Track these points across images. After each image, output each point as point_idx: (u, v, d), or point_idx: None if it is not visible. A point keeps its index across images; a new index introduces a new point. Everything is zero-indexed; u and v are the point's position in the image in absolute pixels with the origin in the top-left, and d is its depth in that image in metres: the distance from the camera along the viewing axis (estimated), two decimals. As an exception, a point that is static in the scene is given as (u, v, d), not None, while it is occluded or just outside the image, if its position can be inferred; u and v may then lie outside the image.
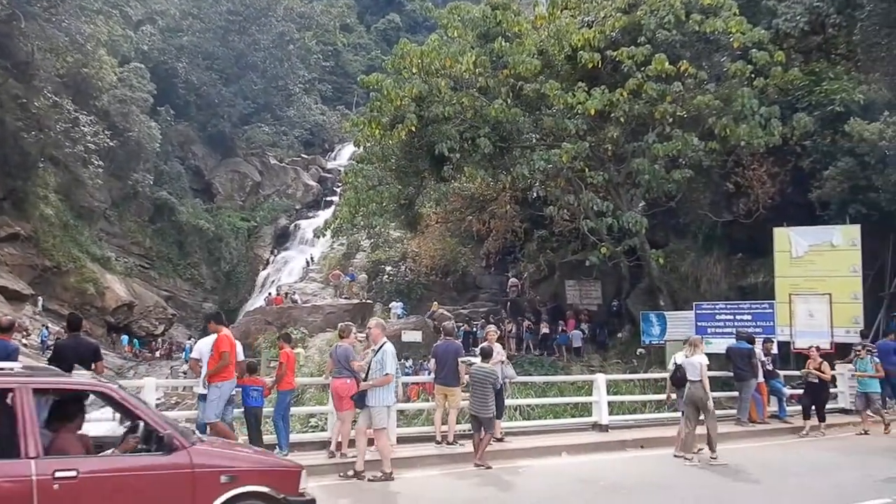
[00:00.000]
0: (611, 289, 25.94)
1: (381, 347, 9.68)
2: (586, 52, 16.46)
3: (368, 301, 30.60)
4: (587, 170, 17.02)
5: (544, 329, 25.11)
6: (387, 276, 34.53)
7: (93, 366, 9.12)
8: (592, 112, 16.07)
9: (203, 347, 9.91)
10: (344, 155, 68.74)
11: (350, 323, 11.66)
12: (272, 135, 56.95)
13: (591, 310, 25.79)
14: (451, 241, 31.23)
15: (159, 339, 41.88)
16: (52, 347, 11.07)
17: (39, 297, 33.27)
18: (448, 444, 10.76)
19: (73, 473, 5.21)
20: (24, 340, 28.73)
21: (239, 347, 10.14)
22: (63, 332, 30.37)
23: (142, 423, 5.81)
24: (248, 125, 56.41)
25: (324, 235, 26.07)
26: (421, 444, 10.99)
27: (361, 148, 19.48)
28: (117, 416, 6.19)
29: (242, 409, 10.22)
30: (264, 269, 51.63)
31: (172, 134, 50.38)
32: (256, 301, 46.21)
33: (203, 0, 54.77)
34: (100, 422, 7.22)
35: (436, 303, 28.74)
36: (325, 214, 56.34)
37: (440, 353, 11.16)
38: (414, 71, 17.06)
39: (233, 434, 9.62)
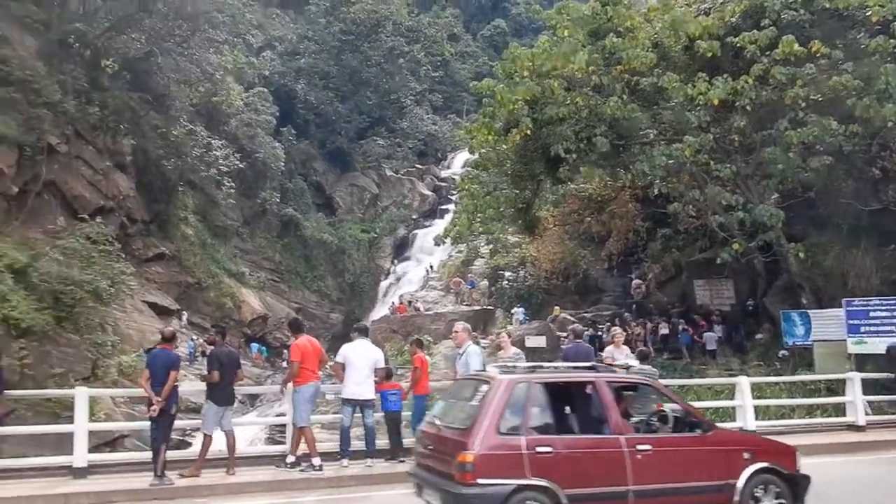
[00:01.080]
0: (745, 287, 24.67)
1: (465, 350, 9.88)
2: (704, 40, 15.90)
3: (490, 307, 30.72)
4: (712, 163, 16.39)
5: (663, 330, 24.36)
6: (506, 282, 34.55)
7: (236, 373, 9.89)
8: (715, 102, 15.46)
9: (348, 353, 10.38)
10: (457, 163, 69.56)
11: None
12: (387, 147, 58.37)
13: (724, 310, 24.64)
14: (569, 243, 30.81)
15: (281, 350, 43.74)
16: (206, 356, 12.00)
17: (184, 312, 35.58)
18: None
19: (649, 447, 6.89)
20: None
21: (378, 354, 10.59)
22: (206, 344, 32.53)
23: (679, 409, 7.57)
24: (364, 139, 58.09)
25: (443, 243, 26.48)
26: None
27: (476, 154, 19.65)
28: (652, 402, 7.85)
29: (383, 414, 10.63)
30: (385, 278, 53.07)
31: (295, 153, 52.66)
32: (380, 310, 47.52)
33: (317, 23, 57.17)
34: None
35: (557, 307, 28.44)
36: (441, 223, 57.26)
37: (571, 355, 11.11)
38: (525, 74, 17.03)
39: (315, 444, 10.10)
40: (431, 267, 47.95)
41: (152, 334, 30.53)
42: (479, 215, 19.61)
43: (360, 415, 10.49)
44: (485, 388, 6.97)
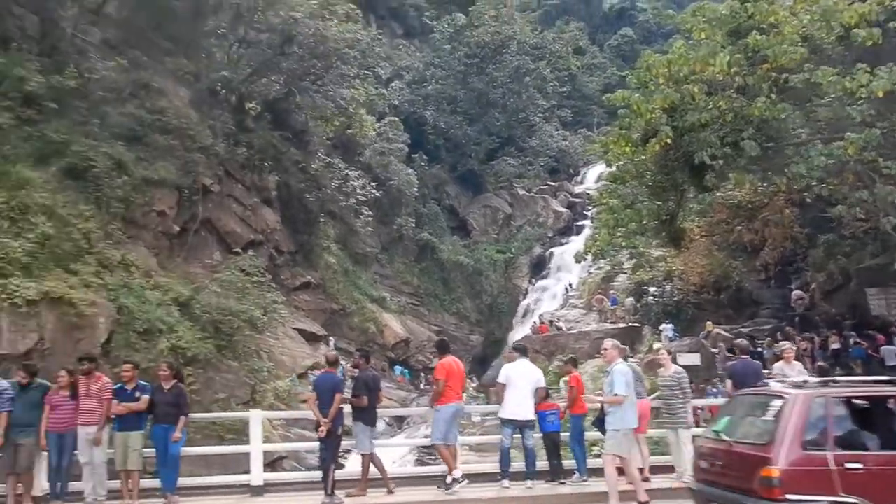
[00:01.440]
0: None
1: (612, 368, 9.55)
2: (862, 28, 14.71)
3: (636, 324, 29.81)
4: (881, 160, 15.06)
5: (834, 344, 22.53)
6: (651, 298, 33.44)
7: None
8: (880, 94, 14.20)
9: (510, 373, 10.40)
10: (590, 178, 68.44)
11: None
12: (518, 166, 58.34)
13: (905, 321, 22.52)
14: (718, 254, 29.43)
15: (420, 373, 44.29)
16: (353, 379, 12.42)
17: (331, 338, 36.94)
18: None
19: None
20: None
21: (539, 374, 10.52)
22: (352, 368, 33.53)
23: None
24: (495, 160, 58.34)
25: (584, 259, 26.03)
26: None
27: (614, 167, 19.17)
28: None
29: (541, 435, 10.55)
30: (524, 298, 52.78)
31: (427, 178, 53.72)
32: (520, 331, 47.32)
33: (442, 50, 58.26)
34: None
35: (709, 322, 27.18)
36: (578, 239, 56.46)
37: (738, 372, 10.56)
38: (661, 82, 16.47)
39: (454, 461, 10.12)
40: (571, 285, 47.28)
41: (303, 360, 32.02)
42: (620, 229, 19.06)
43: (518, 435, 10.40)
44: (778, 403, 7.00)
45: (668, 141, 15.22)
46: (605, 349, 10.08)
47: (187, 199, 29.01)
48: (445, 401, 10.15)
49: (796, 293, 27.13)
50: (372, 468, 10.31)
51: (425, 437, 24.78)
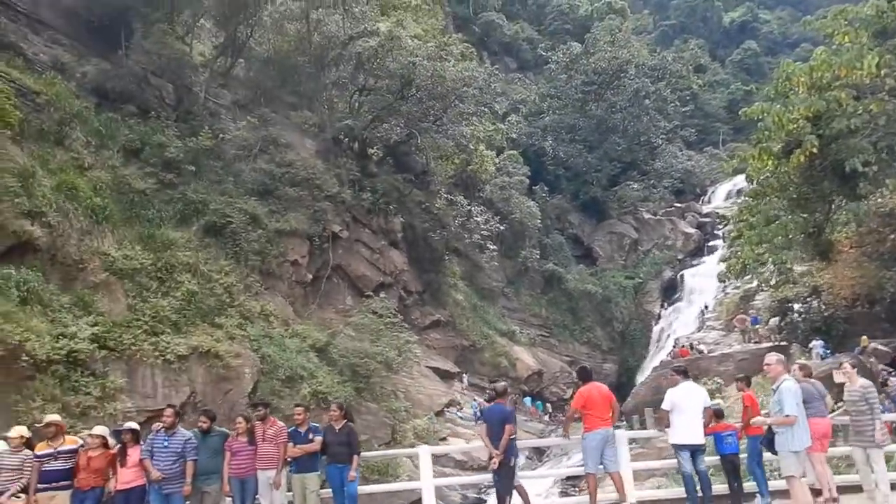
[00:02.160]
0: None
1: (779, 386, 8.86)
2: None
3: (783, 343, 27.91)
4: None
5: None
6: (797, 314, 31.25)
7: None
8: None
9: (674, 398, 10.14)
10: (718, 196, 65.83)
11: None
12: (642, 190, 56.88)
13: None
14: (869, 265, 27.14)
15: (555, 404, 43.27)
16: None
17: (465, 374, 36.91)
18: None
19: None
20: (459, 414, 32.05)
21: (705, 394, 10.17)
22: (486, 403, 33.19)
23: None
24: (617, 185, 57.22)
25: (728, 280, 24.79)
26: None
27: (753, 183, 18.09)
28: None
29: (718, 457, 10.15)
30: (657, 323, 50.96)
31: (549, 209, 53.29)
32: (656, 356, 45.59)
33: (558, 80, 58.18)
34: None
35: (864, 337, 25.00)
36: (710, 260, 54.17)
37: None
38: (801, 90, 15.44)
39: (595, 493, 9.78)
40: (706, 307, 45.12)
41: (439, 397, 32.09)
42: (764, 245, 17.92)
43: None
44: None
45: (814, 150, 14.20)
46: (769, 364, 9.46)
47: (318, 247, 30.05)
48: (590, 428, 9.91)
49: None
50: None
51: (569, 467, 24.28)
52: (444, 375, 34.56)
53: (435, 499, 10.45)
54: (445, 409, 31.90)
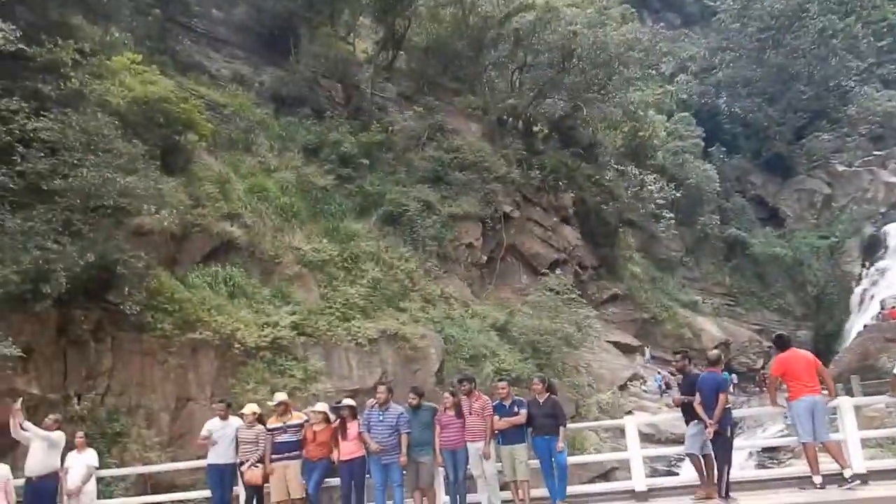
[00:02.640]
0: None
1: None
2: None
3: None
4: None
5: None
6: None
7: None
8: None
9: None
10: (925, 138, 59.01)
11: None
12: (834, 141, 52.25)
13: None
14: None
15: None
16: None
17: (647, 347, 36.01)
18: None
19: None
20: (643, 387, 31.41)
21: None
22: (670, 375, 32.41)
23: None
24: (804, 138, 52.84)
25: None
26: None
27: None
28: None
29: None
30: (857, 284, 46.73)
31: (727, 170, 50.43)
32: (859, 320, 41.94)
33: (729, 31, 54.49)
34: None
35: None
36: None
37: None
38: None
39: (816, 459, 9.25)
40: (918, 263, 40.78)
41: (621, 371, 31.61)
42: None
43: None
44: None
45: None
46: None
47: (490, 228, 30.44)
48: (795, 395, 9.46)
49: None
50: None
51: (765, 438, 22.90)
52: (625, 349, 33.90)
53: (641, 468, 10.39)
54: (628, 382, 31.30)
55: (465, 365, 23.93)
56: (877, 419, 19.15)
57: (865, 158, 54.10)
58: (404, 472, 10.21)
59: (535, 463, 10.23)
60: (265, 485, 10.40)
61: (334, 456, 10.27)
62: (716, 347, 39.68)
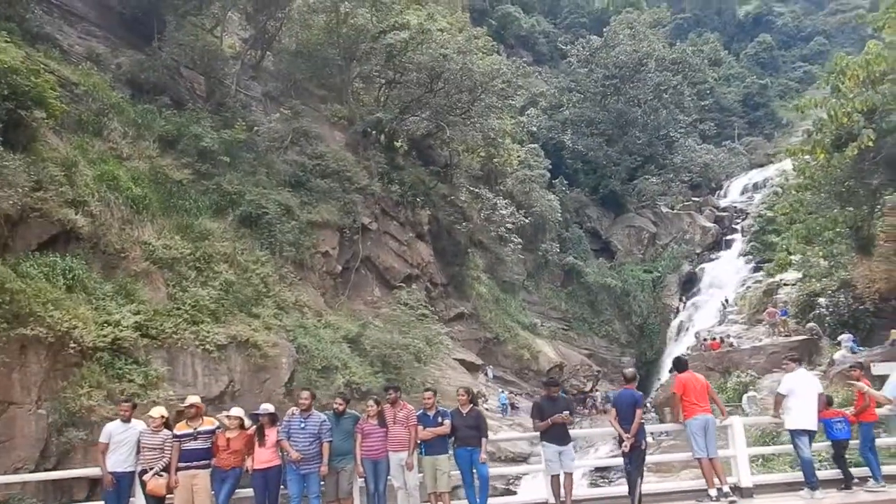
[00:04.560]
0: None
1: None
2: None
3: (814, 336, 28.02)
4: None
5: None
6: (823, 308, 31.33)
7: None
8: None
9: (792, 384, 10.46)
10: (734, 191, 65.94)
11: None
12: (660, 184, 56.81)
13: None
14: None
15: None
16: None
17: (489, 367, 37.01)
18: None
19: None
20: (485, 406, 32.18)
21: (814, 382, 10.55)
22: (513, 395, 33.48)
23: None
24: (636, 179, 57.10)
25: (779, 272, 25.10)
26: None
27: (802, 178, 18.14)
28: None
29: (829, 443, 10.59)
30: (675, 317, 50.99)
31: (568, 202, 53.36)
32: (675, 349, 45.62)
33: (578, 73, 58.08)
34: None
35: (894, 331, 25.09)
36: (728, 254, 54.28)
37: None
38: (851, 85, 15.45)
39: (711, 473, 10.03)
40: (727, 301, 45.13)
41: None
42: (817, 238, 18.06)
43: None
44: None
45: (870, 144, 14.22)
46: None
47: (348, 238, 30.16)
48: (690, 414, 10.24)
49: None
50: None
51: (598, 458, 24.24)
52: (469, 367, 34.70)
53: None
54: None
55: (316, 376, 23.44)
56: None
57: (685, 203, 59.45)
58: (322, 482, 9.86)
59: (456, 474, 10.23)
60: (168, 496, 9.60)
61: (247, 464, 9.71)
62: (551, 370, 41.90)
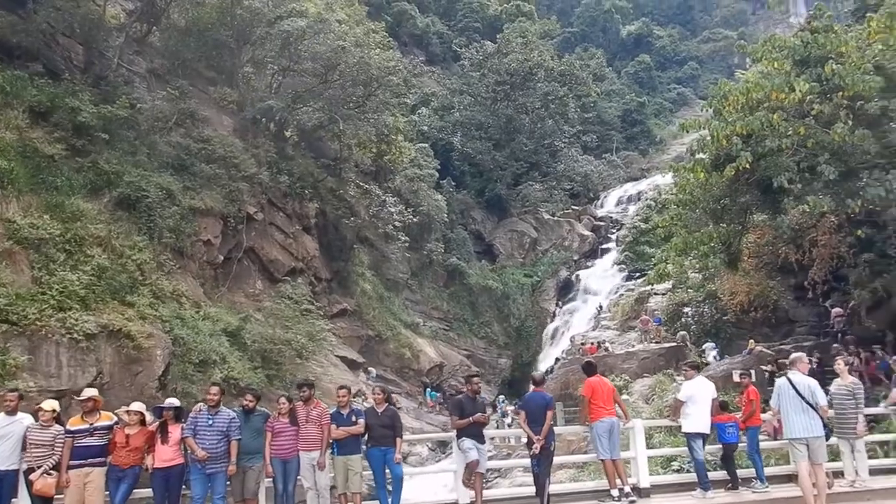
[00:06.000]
0: (973, 310, 22.46)
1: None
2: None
3: (682, 344, 29.78)
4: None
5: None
6: (689, 318, 33.41)
7: None
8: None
9: (692, 390, 10.99)
10: (610, 202, 68.88)
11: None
12: (543, 191, 58.45)
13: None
14: (756, 274, 29.39)
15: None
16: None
17: (371, 368, 36.76)
18: None
19: None
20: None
21: (710, 388, 11.09)
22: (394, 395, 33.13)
23: None
24: (521, 185, 58.44)
25: (658, 282, 26.42)
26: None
27: (682, 194, 19.23)
28: None
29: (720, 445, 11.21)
30: (552, 321, 52.60)
31: (454, 203, 53.83)
32: (550, 352, 47.21)
33: (470, 77, 58.84)
34: None
35: (752, 340, 27.01)
36: (603, 262, 56.66)
37: None
38: (733, 109, 16.57)
39: (614, 474, 10.51)
40: (601, 307, 47.12)
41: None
42: (693, 251, 19.20)
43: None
44: None
45: (747, 165, 15.26)
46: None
47: (232, 227, 29.16)
48: (596, 417, 10.63)
49: (836, 310, 26.98)
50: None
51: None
52: (351, 365, 34.38)
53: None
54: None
55: (193, 370, 22.62)
56: (573, 443, 21.53)
57: (566, 211, 61.38)
58: (229, 482, 9.42)
59: (369, 474, 10.09)
60: (57, 496, 8.86)
61: (147, 463, 9.09)
62: (431, 369, 42.25)
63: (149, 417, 9.48)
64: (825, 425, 9.66)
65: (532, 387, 10.87)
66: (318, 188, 35.72)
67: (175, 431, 9.28)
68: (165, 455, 9.13)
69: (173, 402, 9.66)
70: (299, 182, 33.54)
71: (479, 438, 10.28)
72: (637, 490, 10.70)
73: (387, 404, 10.39)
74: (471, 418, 10.15)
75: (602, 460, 10.60)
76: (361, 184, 38.96)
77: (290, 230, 33.16)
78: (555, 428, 11.18)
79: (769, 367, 23.37)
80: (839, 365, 11.55)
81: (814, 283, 26.86)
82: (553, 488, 10.77)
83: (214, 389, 9.71)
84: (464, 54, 60.26)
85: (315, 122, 35.36)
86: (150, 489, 9.24)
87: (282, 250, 32.51)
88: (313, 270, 35.00)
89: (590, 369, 11.35)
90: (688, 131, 17.76)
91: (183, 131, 28.59)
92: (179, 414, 9.54)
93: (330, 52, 30.97)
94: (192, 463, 9.20)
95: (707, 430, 10.84)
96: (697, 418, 10.76)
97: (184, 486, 9.35)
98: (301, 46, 31.36)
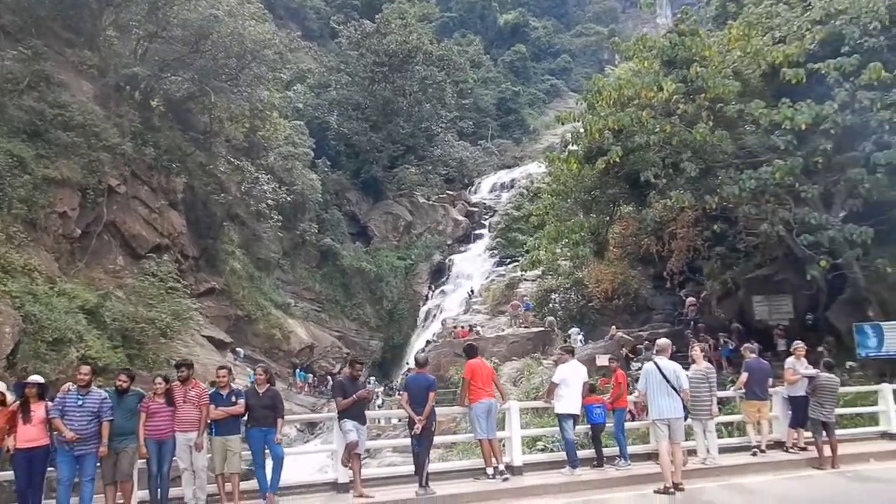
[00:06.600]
0: (803, 302, 24.75)
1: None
2: (788, 67, 16.12)
3: (549, 329, 30.95)
4: (797, 184, 16.53)
5: (730, 346, 24.30)
6: (556, 304, 34.76)
7: None
8: (803, 126, 15.64)
9: (566, 374, 11.50)
10: (484, 188, 70.28)
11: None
12: (419, 175, 58.74)
13: (784, 325, 24.67)
14: (619, 264, 31.03)
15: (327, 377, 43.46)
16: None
17: (240, 349, 35.74)
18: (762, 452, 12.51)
19: None
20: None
21: (582, 371, 11.69)
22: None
23: None
24: (397, 168, 58.43)
25: (531, 269, 27.30)
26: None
27: (556, 184, 19.92)
28: None
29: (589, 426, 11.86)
30: (424, 304, 53.19)
31: (329, 183, 53.12)
32: (422, 334, 47.70)
33: (348, 55, 57.92)
34: None
35: (614, 327, 28.56)
36: (476, 247, 57.82)
37: (755, 369, 12.92)
38: (605, 104, 17.33)
39: (490, 453, 10.95)
40: (472, 291, 48.10)
41: (214, 367, 30.81)
42: (564, 240, 19.98)
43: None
44: None
45: (618, 159, 16.04)
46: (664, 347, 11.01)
47: (91, 200, 27.41)
48: (475, 398, 10.86)
49: (690, 300, 28.99)
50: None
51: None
52: (218, 345, 33.30)
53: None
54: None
55: (46, 349, 21.30)
56: (443, 423, 22.01)
57: (441, 196, 62.07)
58: (98, 464, 8.95)
59: (247, 454, 9.92)
60: None
61: (8, 443, 8.54)
62: (301, 350, 41.66)
63: (10, 397, 8.90)
64: (684, 407, 10.39)
65: (416, 368, 11.13)
66: (186, 162, 34.16)
67: (39, 410, 8.76)
68: (28, 435, 8.61)
69: (37, 378, 9.13)
70: (166, 155, 31.91)
71: (361, 419, 10.37)
72: (510, 468, 11.10)
73: (268, 385, 10.25)
74: (354, 395, 10.23)
75: (479, 440, 10.92)
76: (233, 160, 37.59)
77: (155, 205, 31.54)
78: (521, 404, 12.29)
79: (625, 351, 24.93)
80: (695, 351, 12.43)
81: (671, 274, 28.74)
82: (434, 466, 11.01)
83: (85, 369, 9.23)
84: (342, 32, 59.26)
85: (184, 92, 33.72)
86: (12, 471, 8.74)
87: (146, 225, 30.91)
88: (179, 247, 33.51)
89: (471, 352, 11.63)
90: (563, 123, 18.39)
91: (37, 95, 26.46)
92: (43, 392, 9.00)
93: (202, 20, 29.56)
94: (59, 444, 8.75)
95: (578, 412, 11.46)
96: (569, 400, 11.32)
97: (49, 468, 8.88)
98: (170, 12, 29.75)
